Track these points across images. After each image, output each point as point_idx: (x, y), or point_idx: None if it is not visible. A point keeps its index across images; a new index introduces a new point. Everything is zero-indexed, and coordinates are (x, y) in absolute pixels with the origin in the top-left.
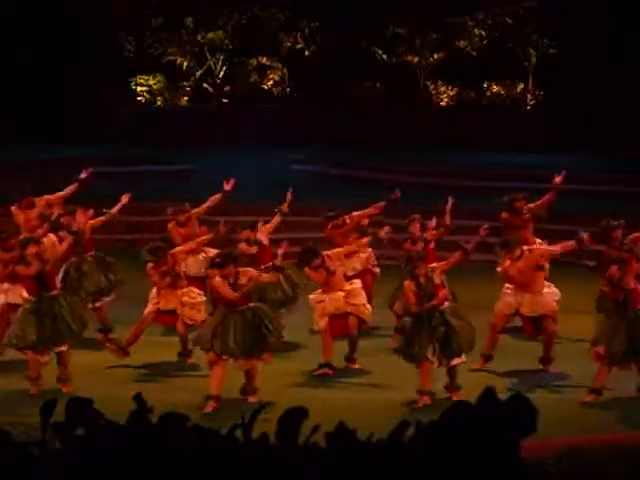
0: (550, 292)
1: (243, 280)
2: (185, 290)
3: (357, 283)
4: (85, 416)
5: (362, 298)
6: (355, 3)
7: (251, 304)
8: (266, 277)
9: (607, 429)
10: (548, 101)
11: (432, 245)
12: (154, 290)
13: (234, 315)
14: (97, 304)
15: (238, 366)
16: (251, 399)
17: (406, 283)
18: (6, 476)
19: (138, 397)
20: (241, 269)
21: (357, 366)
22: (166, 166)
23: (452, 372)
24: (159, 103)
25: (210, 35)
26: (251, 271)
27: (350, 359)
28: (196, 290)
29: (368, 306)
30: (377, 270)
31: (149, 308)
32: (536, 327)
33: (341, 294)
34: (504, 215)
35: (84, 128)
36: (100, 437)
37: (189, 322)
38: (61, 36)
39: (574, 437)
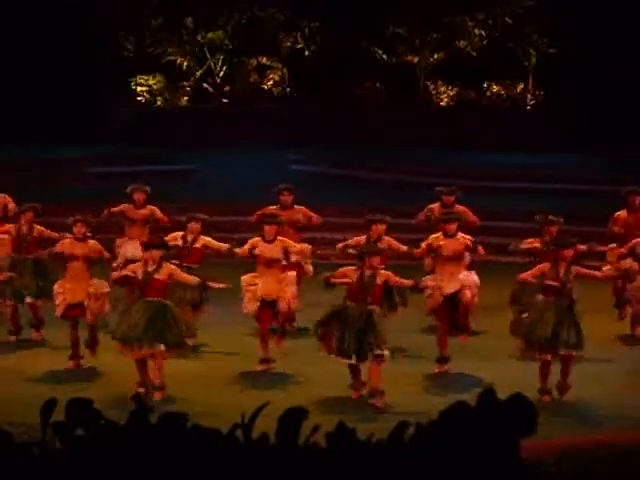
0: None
1: (163, 273)
2: (92, 282)
3: (292, 274)
4: (85, 416)
5: (294, 288)
6: (355, 3)
7: (163, 299)
8: (186, 277)
9: (601, 428)
10: (548, 101)
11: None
12: (56, 285)
13: (142, 303)
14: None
15: (136, 356)
16: (156, 396)
17: (350, 268)
18: (7, 476)
19: (137, 397)
20: (166, 263)
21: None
22: (166, 166)
23: (355, 370)
24: (159, 103)
25: (210, 35)
26: (172, 267)
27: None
28: (103, 281)
29: (297, 301)
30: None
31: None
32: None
33: (273, 280)
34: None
35: (84, 128)
36: (100, 437)
37: (95, 313)
38: (61, 36)
39: (573, 437)
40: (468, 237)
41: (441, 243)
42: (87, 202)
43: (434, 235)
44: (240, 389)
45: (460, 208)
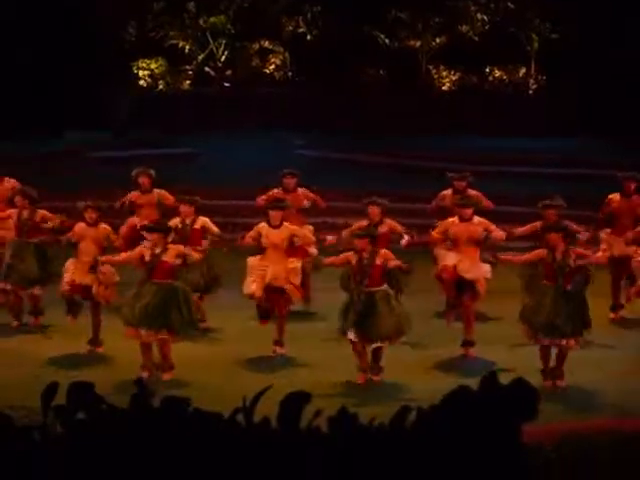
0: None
1: (170, 255)
2: (103, 268)
3: (297, 262)
4: (86, 400)
5: (299, 279)
6: None
7: (174, 281)
8: (195, 255)
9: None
10: (550, 86)
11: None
12: (68, 262)
13: (151, 286)
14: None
15: (144, 339)
16: (165, 376)
17: (349, 253)
18: (8, 459)
19: (139, 381)
20: (171, 245)
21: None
22: (168, 149)
23: (375, 354)
24: (161, 87)
25: (212, 19)
26: (181, 247)
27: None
28: (112, 269)
29: (299, 291)
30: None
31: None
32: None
33: (282, 266)
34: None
35: (86, 112)
36: (101, 421)
37: (102, 301)
38: (63, 20)
39: (573, 423)
40: (484, 221)
41: (456, 229)
42: (89, 187)
43: (450, 219)
44: (242, 373)
45: (473, 193)
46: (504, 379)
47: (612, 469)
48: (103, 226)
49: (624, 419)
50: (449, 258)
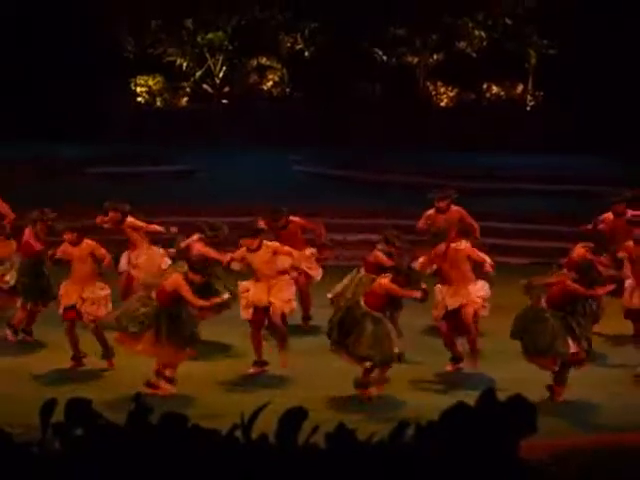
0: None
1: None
2: (90, 285)
3: (284, 278)
4: (85, 416)
5: (288, 293)
6: (355, 4)
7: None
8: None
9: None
10: (548, 102)
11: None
12: (61, 286)
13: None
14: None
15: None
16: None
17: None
18: (6, 476)
19: (137, 397)
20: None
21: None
22: (166, 167)
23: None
24: (159, 103)
25: (210, 36)
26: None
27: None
28: (101, 284)
29: (291, 304)
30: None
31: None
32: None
33: (264, 286)
34: None
35: (84, 129)
36: (99, 438)
37: (90, 318)
38: (61, 36)
39: (573, 438)
40: (468, 248)
41: (438, 260)
42: (87, 203)
43: (439, 247)
44: (240, 389)
45: (454, 211)
46: (502, 395)
47: None
48: (86, 243)
49: (624, 434)
50: (438, 301)
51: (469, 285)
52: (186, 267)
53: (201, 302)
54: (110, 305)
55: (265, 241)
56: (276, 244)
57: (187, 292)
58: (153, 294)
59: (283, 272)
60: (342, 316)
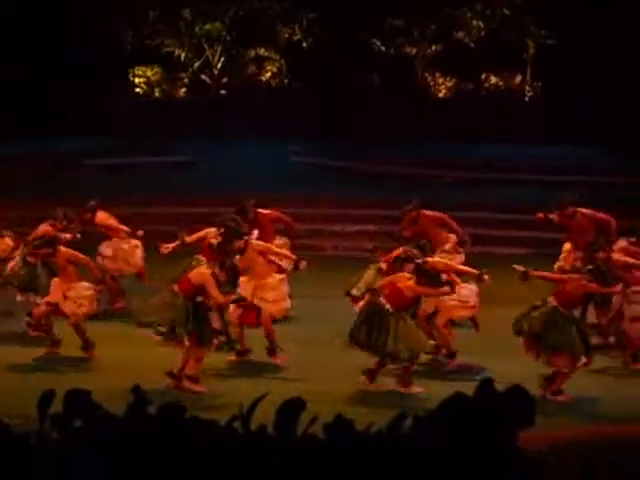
0: None
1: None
2: (74, 284)
3: (275, 277)
4: (83, 408)
5: (273, 294)
6: None
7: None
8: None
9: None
10: (546, 92)
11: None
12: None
13: (178, 297)
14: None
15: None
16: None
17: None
18: (5, 467)
19: (136, 389)
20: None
21: (278, 361)
22: (164, 157)
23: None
24: (157, 94)
25: (208, 26)
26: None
27: (269, 350)
28: (86, 284)
29: (283, 303)
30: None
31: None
32: None
33: (253, 284)
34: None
35: (83, 121)
36: (98, 429)
37: (71, 316)
38: (60, 33)
39: (571, 429)
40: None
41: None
42: (87, 195)
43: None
44: (238, 380)
45: (427, 216)
46: (500, 386)
47: (611, 476)
48: (60, 253)
49: (622, 425)
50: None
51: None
52: (204, 261)
53: (224, 299)
54: (95, 303)
55: (253, 241)
56: (263, 245)
57: (213, 288)
58: (176, 287)
59: (279, 269)
60: (366, 315)
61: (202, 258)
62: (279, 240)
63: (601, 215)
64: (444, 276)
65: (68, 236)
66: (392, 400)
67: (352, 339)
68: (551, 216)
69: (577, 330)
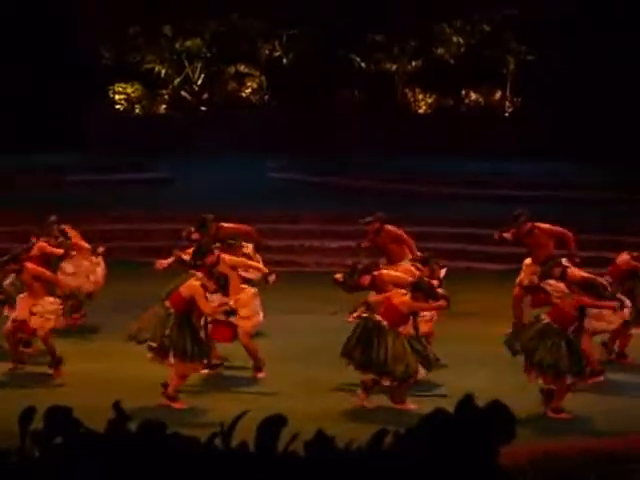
0: None
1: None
2: (41, 300)
3: (247, 292)
4: (64, 424)
5: (246, 310)
6: (333, 11)
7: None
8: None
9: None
10: (526, 108)
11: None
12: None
13: (167, 311)
14: None
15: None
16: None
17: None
18: None
19: (117, 405)
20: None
21: (261, 375)
22: (144, 174)
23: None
24: (137, 111)
25: (188, 43)
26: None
27: (255, 368)
28: (51, 299)
29: (257, 318)
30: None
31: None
32: None
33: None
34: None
35: (63, 137)
36: (79, 445)
37: (39, 330)
38: (39, 45)
39: (550, 443)
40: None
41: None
42: (65, 211)
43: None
44: (219, 396)
45: (388, 233)
46: (480, 402)
47: None
48: (29, 267)
49: (603, 439)
50: None
51: None
52: (199, 276)
53: (212, 309)
54: (61, 318)
55: (225, 255)
56: (235, 259)
57: (201, 299)
58: (167, 303)
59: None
60: (362, 332)
61: (198, 274)
62: (246, 248)
63: (558, 229)
64: (440, 290)
65: (60, 251)
66: (373, 416)
67: (346, 356)
68: (505, 235)
69: (567, 348)
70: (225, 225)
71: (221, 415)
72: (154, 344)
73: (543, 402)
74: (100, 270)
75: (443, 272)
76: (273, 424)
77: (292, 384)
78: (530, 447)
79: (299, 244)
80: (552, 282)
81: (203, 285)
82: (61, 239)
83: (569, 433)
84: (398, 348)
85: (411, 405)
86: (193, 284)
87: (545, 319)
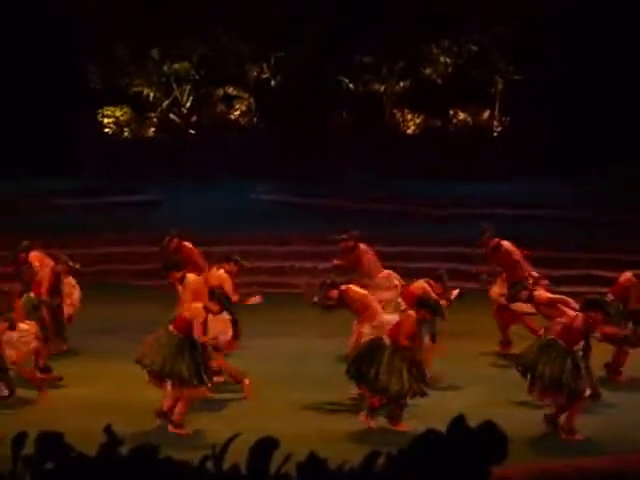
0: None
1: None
2: (20, 327)
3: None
4: (55, 450)
5: (212, 332)
6: (321, 32)
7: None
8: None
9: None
10: (514, 128)
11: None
12: None
13: (170, 336)
14: None
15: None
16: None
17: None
18: None
19: (108, 429)
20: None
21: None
22: (132, 197)
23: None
24: (126, 134)
25: (176, 66)
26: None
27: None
28: (23, 327)
29: (223, 337)
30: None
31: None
32: None
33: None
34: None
35: (52, 161)
36: (70, 470)
37: (10, 361)
38: (27, 69)
39: (545, 462)
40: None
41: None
42: (57, 234)
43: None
44: (210, 419)
45: (360, 251)
46: (472, 422)
47: None
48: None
49: (600, 457)
50: None
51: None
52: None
53: (204, 338)
54: (32, 345)
55: (190, 275)
56: (200, 279)
57: (198, 324)
58: (170, 327)
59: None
60: (365, 349)
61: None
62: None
63: (514, 256)
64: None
65: (71, 279)
66: (365, 438)
67: (349, 374)
68: (478, 252)
69: (573, 365)
70: (188, 244)
71: (212, 437)
72: (154, 367)
73: (551, 429)
74: (76, 292)
75: (455, 293)
76: (265, 446)
77: (285, 406)
78: (527, 466)
79: (289, 265)
80: (518, 304)
81: (206, 307)
82: (76, 266)
83: (566, 452)
84: (396, 365)
85: (406, 426)
86: (196, 307)
87: (552, 336)
